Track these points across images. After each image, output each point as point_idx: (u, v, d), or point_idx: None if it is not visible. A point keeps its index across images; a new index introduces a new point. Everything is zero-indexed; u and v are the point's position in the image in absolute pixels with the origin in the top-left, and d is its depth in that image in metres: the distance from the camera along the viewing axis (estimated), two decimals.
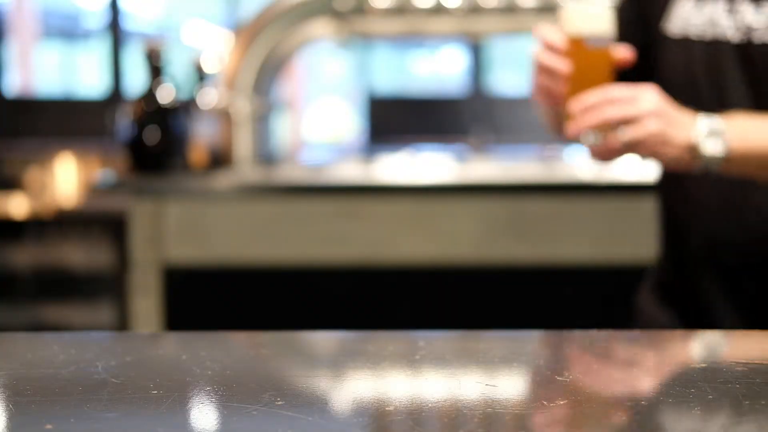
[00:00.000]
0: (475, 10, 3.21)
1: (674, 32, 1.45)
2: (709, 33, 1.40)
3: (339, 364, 0.95)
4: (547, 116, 1.54)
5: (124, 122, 2.95)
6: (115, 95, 5.08)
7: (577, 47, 1.42)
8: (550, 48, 1.40)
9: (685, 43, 1.43)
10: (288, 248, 2.70)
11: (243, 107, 3.22)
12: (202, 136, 3.12)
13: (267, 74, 3.32)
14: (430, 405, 0.78)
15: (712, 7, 1.40)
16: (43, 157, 4.72)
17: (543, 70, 1.41)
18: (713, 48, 1.40)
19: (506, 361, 0.88)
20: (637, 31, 1.51)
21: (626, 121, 1.29)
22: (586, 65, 1.41)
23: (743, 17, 1.38)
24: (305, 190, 2.74)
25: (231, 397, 0.79)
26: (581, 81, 1.40)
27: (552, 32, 1.42)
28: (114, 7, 5.13)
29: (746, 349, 0.92)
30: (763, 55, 1.37)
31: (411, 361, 0.90)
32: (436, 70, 6.51)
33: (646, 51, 1.48)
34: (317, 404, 0.79)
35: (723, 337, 0.98)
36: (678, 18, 1.44)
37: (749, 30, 1.37)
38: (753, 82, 1.38)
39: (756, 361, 0.88)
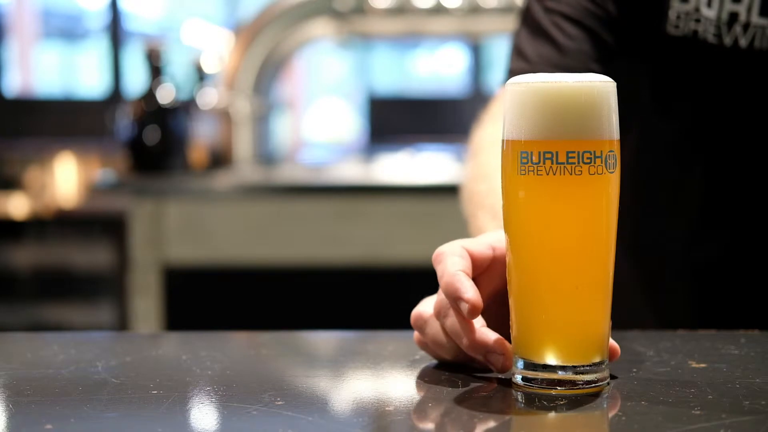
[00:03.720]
0: (475, 10, 3.21)
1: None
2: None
3: (339, 364, 0.95)
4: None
5: (124, 122, 2.95)
6: (115, 95, 5.08)
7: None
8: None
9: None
10: (288, 248, 2.70)
11: (243, 107, 3.22)
12: (202, 136, 3.12)
13: (267, 74, 3.33)
14: (430, 405, 0.78)
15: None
16: (43, 157, 4.72)
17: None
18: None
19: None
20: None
21: None
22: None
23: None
24: (305, 190, 2.75)
25: (231, 397, 0.79)
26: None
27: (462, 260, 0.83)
28: (114, 7, 5.13)
29: (746, 349, 0.92)
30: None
31: (411, 361, 0.90)
32: (436, 70, 6.51)
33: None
34: (317, 404, 0.79)
35: (722, 336, 0.98)
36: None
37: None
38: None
39: (755, 361, 0.88)
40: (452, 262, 0.82)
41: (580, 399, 0.77)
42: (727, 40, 1.16)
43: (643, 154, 1.28)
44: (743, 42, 1.16)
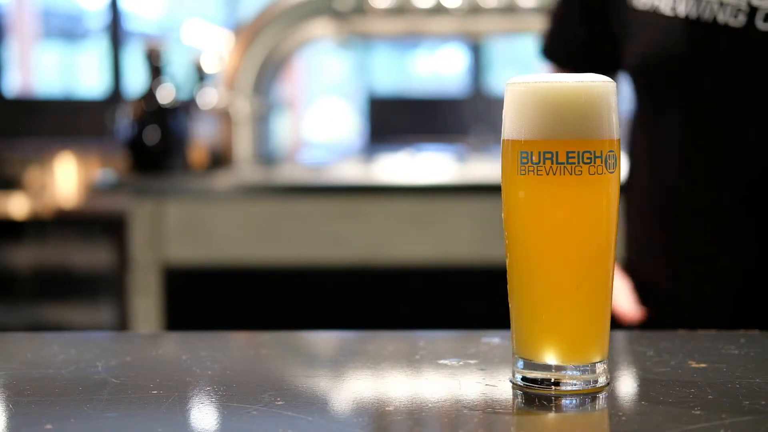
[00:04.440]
0: (475, 10, 3.21)
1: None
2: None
3: (339, 364, 0.95)
4: None
5: (124, 122, 2.95)
6: (115, 95, 5.08)
7: None
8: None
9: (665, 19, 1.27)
10: (288, 248, 2.70)
11: (243, 107, 3.22)
12: (202, 136, 3.12)
13: (267, 74, 3.32)
14: (430, 405, 0.78)
15: None
16: (43, 157, 4.72)
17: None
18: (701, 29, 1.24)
19: (506, 361, 0.88)
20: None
21: None
22: None
23: None
24: (305, 190, 2.74)
25: (231, 397, 0.79)
26: None
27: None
28: (114, 7, 5.13)
29: (746, 349, 0.92)
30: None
31: (411, 361, 0.90)
32: (436, 70, 6.51)
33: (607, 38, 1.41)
34: (317, 404, 0.79)
35: (722, 336, 0.98)
36: None
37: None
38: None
39: (755, 361, 0.88)
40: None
41: (580, 399, 0.77)
42: (681, 9, 1.24)
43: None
44: (693, 12, 1.23)
